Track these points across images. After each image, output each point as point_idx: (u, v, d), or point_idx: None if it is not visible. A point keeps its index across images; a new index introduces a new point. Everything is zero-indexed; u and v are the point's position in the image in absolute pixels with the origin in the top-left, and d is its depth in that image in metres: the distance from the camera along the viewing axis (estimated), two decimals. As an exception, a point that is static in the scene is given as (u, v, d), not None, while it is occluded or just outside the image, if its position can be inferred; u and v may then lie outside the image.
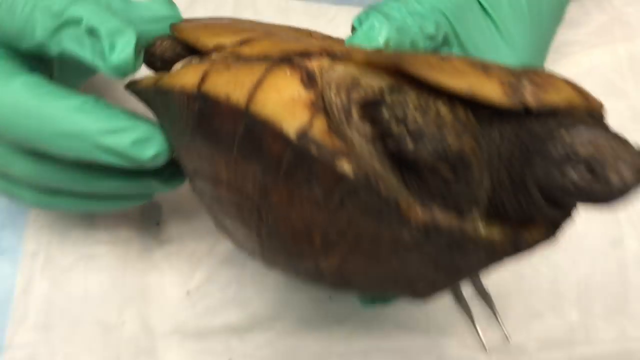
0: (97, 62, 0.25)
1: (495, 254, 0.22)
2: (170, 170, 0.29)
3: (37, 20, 0.25)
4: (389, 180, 0.21)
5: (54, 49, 0.26)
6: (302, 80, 0.22)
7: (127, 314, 0.35)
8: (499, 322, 0.35)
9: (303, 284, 0.35)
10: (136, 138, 0.26)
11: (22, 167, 0.28)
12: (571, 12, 0.42)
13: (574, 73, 0.41)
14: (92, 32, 0.25)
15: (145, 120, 0.27)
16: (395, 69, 0.22)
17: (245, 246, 0.28)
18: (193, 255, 0.36)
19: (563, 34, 0.41)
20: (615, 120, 0.39)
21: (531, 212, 0.21)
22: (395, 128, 0.20)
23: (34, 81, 0.26)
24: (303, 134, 0.21)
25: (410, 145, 0.20)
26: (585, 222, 0.37)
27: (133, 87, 0.28)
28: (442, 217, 0.21)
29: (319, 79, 0.22)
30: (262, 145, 0.22)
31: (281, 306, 0.35)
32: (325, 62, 0.23)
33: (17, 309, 0.35)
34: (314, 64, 0.23)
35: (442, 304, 0.35)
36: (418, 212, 0.21)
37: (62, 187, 0.29)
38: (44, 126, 0.25)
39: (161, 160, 0.27)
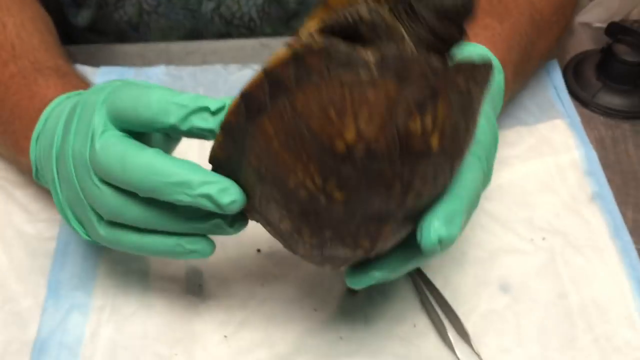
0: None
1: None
2: (237, 218, 0.39)
3: (171, 110, 0.37)
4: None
5: (183, 128, 0.37)
6: None
7: (177, 348, 0.43)
8: (478, 356, 0.43)
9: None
10: (221, 187, 0.36)
11: (134, 212, 0.38)
12: (510, 136, 0.56)
13: (515, 177, 0.54)
14: (216, 111, 0.37)
15: (224, 176, 0.37)
16: None
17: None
18: (229, 309, 0.45)
19: (505, 152, 0.55)
20: (550, 209, 0.51)
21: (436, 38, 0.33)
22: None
23: (157, 150, 0.37)
24: None
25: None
26: (537, 280, 0.47)
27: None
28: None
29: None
30: None
31: (301, 345, 0.43)
32: None
33: (86, 348, 0.42)
34: None
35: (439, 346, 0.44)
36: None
37: (159, 227, 0.39)
38: (167, 180, 0.36)
39: (238, 205, 0.36)
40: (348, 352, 0.43)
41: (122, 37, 0.70)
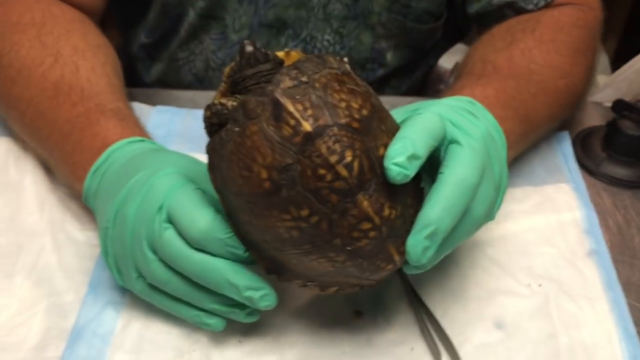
0: None
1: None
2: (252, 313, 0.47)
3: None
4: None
5: None
6: None
7: (196, 346, 0.48)
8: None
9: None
10: (262, 294, 0.44)
11: (175, 286, 0.46)
12: (517, 193, 0.61)
13: (518, 229, 0.58)
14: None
15: (265, 282, 0.44)
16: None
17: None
18: (241, 324, 0.49)
19: (511, 207, 0.60)
20: (548, 260, 0.55)
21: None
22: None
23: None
24: None
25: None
26: (530, 320, 0.51)
27: None
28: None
29: None
30: None
31: (307, 355, 0.48)
32: None
33: (117, 339, 0.48)
34: None
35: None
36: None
37: (189, 301, 0.46)
38: (223, 281, 0.44)
39: (271, 307, 0.45)
40: (348, 365, 0.48)
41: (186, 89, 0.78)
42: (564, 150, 0.66)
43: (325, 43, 0.73)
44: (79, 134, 0.54)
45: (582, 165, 0.65)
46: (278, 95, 0.40)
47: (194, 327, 0.49)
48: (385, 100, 0.73)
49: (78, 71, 0.58)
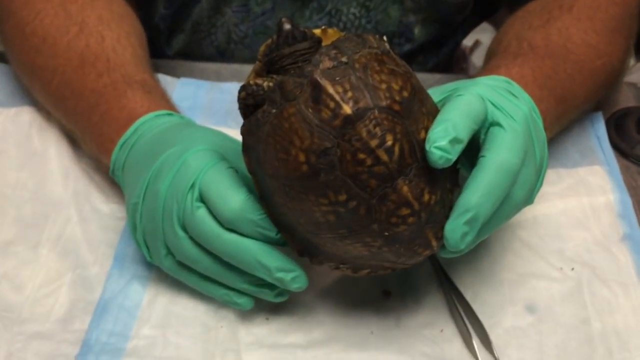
0: None
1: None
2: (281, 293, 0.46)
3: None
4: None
5: None
6: None
7: (223, 322, 0.47)
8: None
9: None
10: (294, 276, 0.43)
11: (205, 264, 0.45)
12: (551, 176, 0.60)
13: (551, 212, 0.57)
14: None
15: (296, 263, 0.44)
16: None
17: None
18: (269, 302, 0.49)
19: (544, 188, 0.58)
20: (581, 244, 0.54)
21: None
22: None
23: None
24: None
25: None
26: (563, 305, 0.50)
27: None
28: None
29: None
30: None
31: (334, 335, 0.47)
32: None
33: (143, 313, 0.47)
34: None
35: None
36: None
37: (219, 279, 0.46)
38: (255, 261, 0.43)
39: (302, 289, 0.44)
40: (377, 345, 0.47)
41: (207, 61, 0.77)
42: (598, 132, 0.64)
43: (351, 16, 0.71)
44: (106, 105, 0.53)
45: (616, 148, 0.64)
46: (317, 76, 0.39)
47: (221, 303, 0.48)
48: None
49: (104, 41, 0.57)
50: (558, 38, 0.59)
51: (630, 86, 0.71)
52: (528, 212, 0.56)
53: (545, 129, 0.52)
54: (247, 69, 0.71)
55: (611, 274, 0.52)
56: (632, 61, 0.81)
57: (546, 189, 0.58)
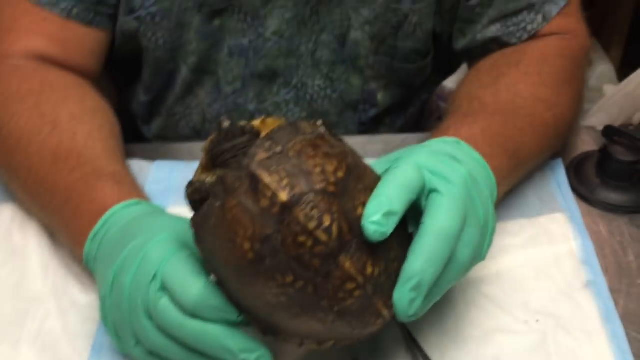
0: None
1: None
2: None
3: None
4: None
5: None
6: None
7: None
8: None
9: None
10: (257, 355, 0.45)
11: (173, 353, 0.46)
12: (512, 227, 0.61)
13: (514, 265, 0.58)
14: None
15: (259, 343, 0.45)
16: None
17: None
18: None
19: (505, 241, 0.60)
20: (545, 294, 0.55)
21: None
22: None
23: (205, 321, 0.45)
24: None
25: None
26: (528, 358, 0.51)
27: None
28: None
29: None
30: None
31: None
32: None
33: None
34: None
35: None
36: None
37: None
38: (218, 346, 0.44)
39: None
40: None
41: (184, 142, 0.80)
42: (558, 178, 0.66)
43: (317, 88, 0.74)
44: (78, 199, 0.56)
45: (577, 193, 0.65)
46: (254, 168, 0.41)
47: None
48: (380, 139, 0.76)
49: (75, 137, 0.60)
50: (507, 94, 0.62)
51: (589, 130, 0.73)
52: (491, 266, 0.58)
53: (499, 183, 0.54)
54: (219, 145, 0.75)
55: (576, 322, 0.54)
56: (605, 89, 0.83)
57: (508, 240, 0.60)
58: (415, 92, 0.80)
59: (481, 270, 0.57)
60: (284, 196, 0.41)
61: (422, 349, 0.52)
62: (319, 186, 0.41)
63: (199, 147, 0.76)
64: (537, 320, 0.54)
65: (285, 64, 0.72)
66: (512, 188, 0.61)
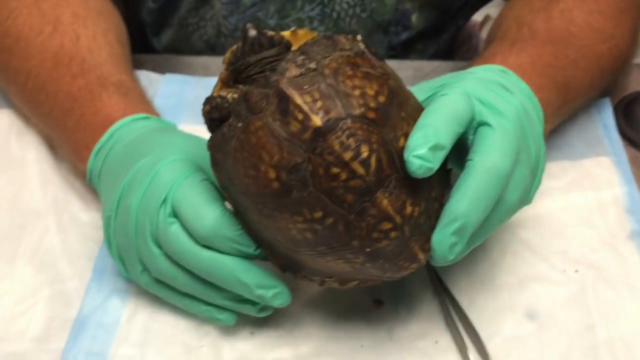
0: None
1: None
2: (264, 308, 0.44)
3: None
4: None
5: None
6: None
7: (205, 341, 0.45)
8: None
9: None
10: (275, 292, 0.41)
11: (182, 281, 0.43)
12: (553, 168, 0.56)
13: (554, 208, 0.54)
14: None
15: (278, 279, 0.41)
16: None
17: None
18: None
19: (546, 183, 0.55)
20: (586, 243, 0.51)
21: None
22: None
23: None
24: None
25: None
26: (566, 310, 0.47)
27: None
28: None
29: None
30: None
31: (323, 349, 0.45)
32: None
33: (122, 330, 0.45)
34: None
35: None
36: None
37: (198, 296, 0.44)
38: (233, 278, 0.41)
39: (285, 305, 0.42)
40: (368, 359, 0.44)
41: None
42: (605, 120, 0.61)
43: (345, 5, 0.67)
44: (81, 109, 0.51)
45: (625, 137, 0.60)
46: (283, 86, 0.36)
47: (202, 319, 0.46)
48: (410, 65, 0.70)
49: (78, 40, 0.54)
50: (560, 21, 0.56)
51: (640, 68, 0.67)
52: (529, 209, 0.53)
53: (546, 119, 0.48)
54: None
55: (618, 275, 0.49)
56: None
57: (549, 183, 0.55)
58: (451, 16, 0.73)
59: (519, 213, 0.52)
60: (317, 120, 0.35)
61: (451, 293, 0.48)
62: (357, 111, 0.36)
63: (214, 62, 0.71)
64: (576, 271, 0.50)
65: None
66: (557, 126, 0.56)
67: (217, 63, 0.69)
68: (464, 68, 0.49)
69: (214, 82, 0.65)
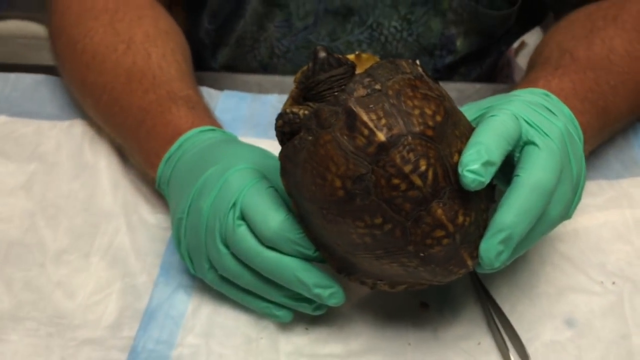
0: None
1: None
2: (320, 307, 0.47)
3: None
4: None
5: None
6: None
7: (264, 333, 0.49)
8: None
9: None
10: (331, 292, 0.45)
11: (246, 279, 0.47)
12: (591, 187, 0.59)
13: (591, 225, 0.56)
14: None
15: (334, 280, 0.45)
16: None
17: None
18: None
19: (584, 200, 0.58)
20: (623, 257, 0.54)
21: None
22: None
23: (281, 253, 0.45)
24: None
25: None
26: (603, 319, 0.50)
27: None
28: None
29: None
30: None
31: (372, 346, 0.48)
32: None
33: (188, 321, 0.49)
34: None
35: None
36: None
37: (259, 293, 0.48)
38: (293, 278, 0.45)
39: (339, 304, 0.45)
40: (414, 357, 0.48)
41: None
42: (641, 141, 0.63)
43: (392, 30, 0.72)
44: (152, 121, 0.55)
45: (661, 159, 0.63)
46: (352, 104, 0.40)
47: (262, 314, 0.50)
48: (453, 87, 0.73)
49: (150, 58, 0.59)
50: (601, 49, 0.59)
51: (676, 95, 0.70)
52: (568, 225, 0.56)
53: (586, 142, 0.51)
54: (289, 80, 0.73)
55: (653, 288, 0.52)
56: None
57: (587, 201, 0.58)
58: (495, 42, 0.77)
59: (558, 227, 0.55)
60: (381, 136, 0.39)
61: (493, 299, 0.51)
62: (417, 129, 0.40)
63: (267, 80, 0.76)
64: (613, 283, 0.52)
65: (362, 1, 0.70)
66: (596, 148, 0.59)
67: (271, 81, 0.74)
68: (504, 91, 0.53)
69: (268, 99, 0.71)
